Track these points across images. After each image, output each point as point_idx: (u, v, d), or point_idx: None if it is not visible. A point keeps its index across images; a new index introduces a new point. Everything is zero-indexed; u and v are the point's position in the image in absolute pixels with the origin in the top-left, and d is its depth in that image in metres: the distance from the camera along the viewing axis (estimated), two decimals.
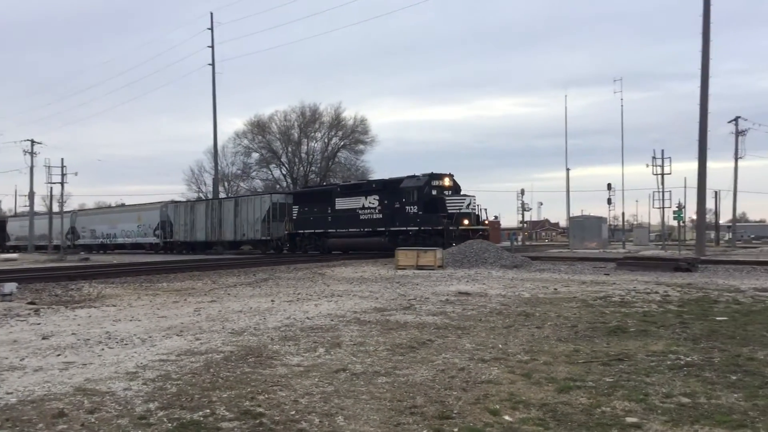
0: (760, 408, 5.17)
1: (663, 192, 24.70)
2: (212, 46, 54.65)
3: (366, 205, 33.25)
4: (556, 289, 14.93)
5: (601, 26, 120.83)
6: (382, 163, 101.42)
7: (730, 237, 58.55)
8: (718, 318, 10.00)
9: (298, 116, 66.69)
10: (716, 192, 61.17)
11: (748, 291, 13.82)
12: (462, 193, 31.71)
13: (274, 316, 10.85)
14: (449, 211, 29.84)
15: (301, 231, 36.37)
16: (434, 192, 30.91)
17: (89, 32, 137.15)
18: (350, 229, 33.71)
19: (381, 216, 32.36)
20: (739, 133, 53.28)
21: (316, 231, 35.50)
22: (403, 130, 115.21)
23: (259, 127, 67.21)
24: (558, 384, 5.99)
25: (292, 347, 8.00)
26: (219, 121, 67.14)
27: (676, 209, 38.12)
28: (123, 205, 63.84)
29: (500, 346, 7.95)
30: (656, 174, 36.95)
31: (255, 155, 68.25)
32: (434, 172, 31.50)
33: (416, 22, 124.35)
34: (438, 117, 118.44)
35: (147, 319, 10.75)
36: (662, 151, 24.78)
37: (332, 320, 10.30)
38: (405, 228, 30.99)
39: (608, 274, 19.14)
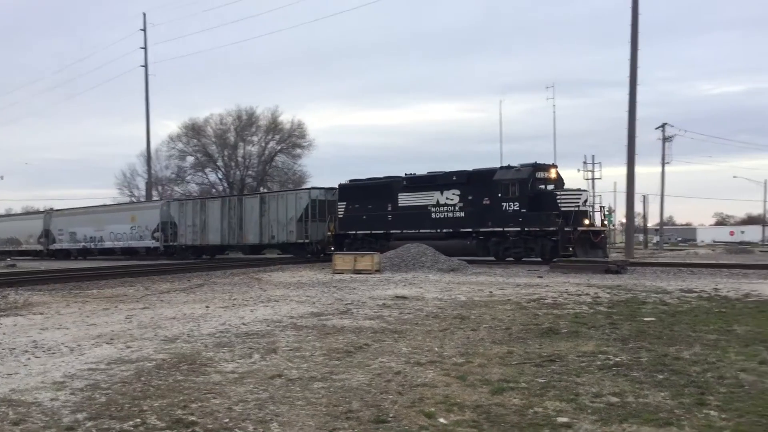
0: (685, 406, 5.35)
1: (594, 196, 25.40)
2: (145, 48, 53.52)
3: (442, 202, 27.86)
4: (491, 292, 15.14)
5: (537, 34, 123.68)
6: (320, 168, 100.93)
7: (658, 240, 60.46)
8: (645, 319, 10.31)
9: (235, 120, 65.82)
10: (644, 196, 63.24)
11: (675, 292, 14.29)
12: (568, 187, 26.94)
13: (209, 323, 10.67)
14: (562, 209, 24.72)
15: (352, 232, 30.71)
16: (540, 186, 25.91)
17: (17, 31, 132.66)
18: (420, 230, 28.26)
19: (464, 214, 27.10)
20: (666, 139, 55.23)
21: (373, 232, 29.88)
22: (342, 134, 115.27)
23: (194, 130, 66.04)
24: (492, 386, 6.07)
25: (227, 354, 7.88)
26: (153, 124, 65.80)
27: (606, 213, 39.14)
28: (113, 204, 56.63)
29: (436, 349, 8.01)
30: (587, 179, 38.07)
31: (190, 159, 67.06)
32: (538, 162, 26.26)
33: (355, 26, 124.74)
34: (377, 122, 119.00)
35: (76, 327, 10.43)
36: (593, 156, 25.70)
37: (268, 326, 10.20)
38: (501, 228, 25.92)
39: (542, 277, 19.50)
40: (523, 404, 5.46)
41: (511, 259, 25.75)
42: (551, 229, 24.50)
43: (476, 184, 26.97)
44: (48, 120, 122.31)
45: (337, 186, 32.49)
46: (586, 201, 25.52)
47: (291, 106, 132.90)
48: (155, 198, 56.74)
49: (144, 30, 53.49)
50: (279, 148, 65.89)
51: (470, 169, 28.01)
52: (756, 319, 10.19)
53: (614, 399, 5.57)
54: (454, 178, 27.79)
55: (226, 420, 5.13)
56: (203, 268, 26.69)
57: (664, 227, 67.13)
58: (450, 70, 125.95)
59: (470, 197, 26.95)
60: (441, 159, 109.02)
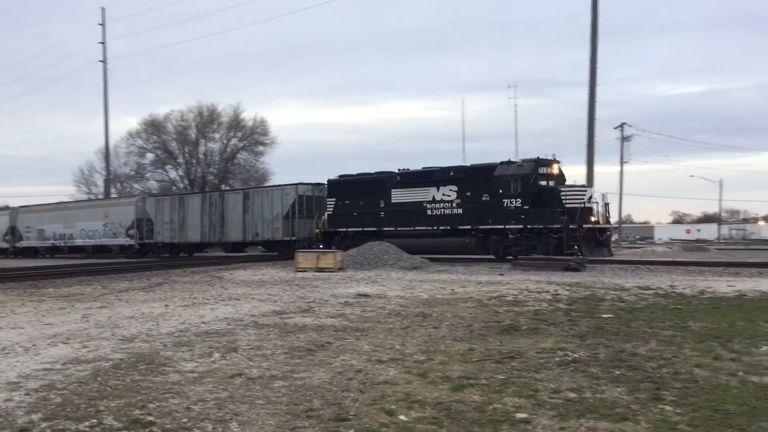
0: (641, 401, 5.45)
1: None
2: (104, 42, 52.65)
3: (439, 198, 26.92)
4: (453, 289, 15.23)
5: (500, 33, 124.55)
6: (283, 165, 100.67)
7: (616, 238, 61.43)
8: (603, 315, 10.47)
9: (196, 116, 65.07)
10: (603, 194, 64.07)
11: (632, 289, 14.53)
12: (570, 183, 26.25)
13: (168, 322, 10.54)
14: (566, 206, 23.97)
15: (342, 230, 29.60)
16: (542, 182, 25.26)
17: None
18: (416, 228, 27.30)
19: (461, 211, 26.27)
20: (624, 139, 56.29)
21: (365, 229, 28.75)
22: (305, 131, 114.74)
23: (153, 126, 65.12)
24: (453, 383, 6.11)
25: (186, 353, 7.80)
26: (112, 120, 64.85)
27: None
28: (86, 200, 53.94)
29: (398, 346, 8.03)
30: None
31: (150, 156, 66.15)
32: (540, 157, 25.61)
33: (319, 23, 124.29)
34: (341, 119, 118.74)
35: (31, 327, 10.22)
36: (553, 155, 25.49)
37: (229, 324, 10.12)
38: (503, 226, 25.09)
39: (503, 275, 19.68)
40: (483, 401, 5.51)
41: (510, 257, 24.82)
42: (555, 226, 23.84)
43: (475, 180, 26.08)
44: (4, 116, 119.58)
45: (325, 182, 31.49)
46: (590, 198, 24.90)
47: (254, 103, 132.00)
48: (114, 194, 55.83)
49: (103, 25, 52.66)
50: (241, 145, 65.36)
51: (468, 164, 27.56)
52: (710, 315, 10.42)
53: (572, 395, 5.65)
54: (452, 174, 26.92)
55: (185, 420, 5.08)
56: (163, 266, 26.34)
57: (623, 225, 68.25)
58: (415, 68, 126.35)
59: (468, 193, 26.15)
60: (408, 157, 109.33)
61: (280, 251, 32.54)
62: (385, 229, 28.16)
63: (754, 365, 6.71)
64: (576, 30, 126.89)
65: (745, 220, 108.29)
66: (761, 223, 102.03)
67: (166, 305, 12.91)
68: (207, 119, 64.93)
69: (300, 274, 21.40)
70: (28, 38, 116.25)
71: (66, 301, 14.26)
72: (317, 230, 30.70)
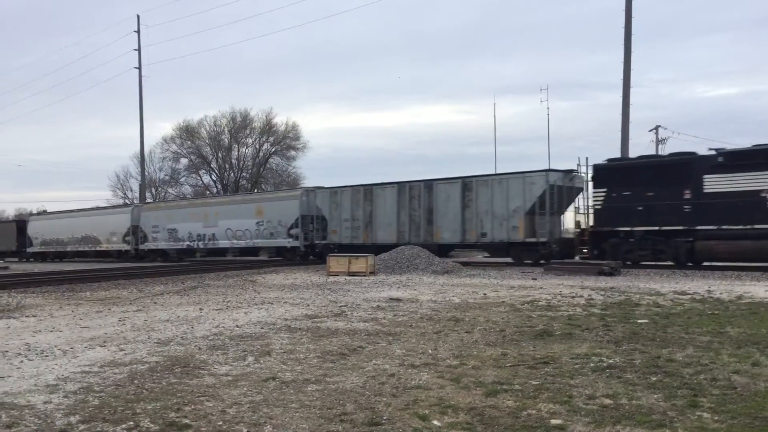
0: (678, 408, 5.36)
1: (588, 199, 25.15)
2: (139, 49, 53.41)
3: None
4: (485, 294, 15.15)
5: (533, 36, 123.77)
6: (315, 169, 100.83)
7: None
8: (639, 321, 10.33)
9: (229, 121, 65.94)
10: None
11: (668, 294, 14.32)
12: None
13: (203, 325, 10.65)
14: None
15: (621, 228, 23.23)
16: None
17: (8, 32, 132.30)
18: (755, 226, 20.52)
19: None
20: (659, 141, 55.51)
21: (662, 228, 22.34)
22: (337, 136, 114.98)
23: (188, 132, 66.09)
24: (486, 388, 6.08)
25: (221, 356, 7.87)
26: (146, 126, 65.89)
27: None
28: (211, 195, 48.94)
29: (430, 351, 8.01)
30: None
31: (184, 161, 67.15)
32: None
33: (350, 28, 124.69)
34: (372, 124, 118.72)
35: (69, 330, 10.40)
36: (587, 158, 25.07)
37: (262, 328, 10.19)
38: None
39: (536, 279, 19.54)
40: (516, 406, 5.47)
41: None
42: None
43: None
44: (41, 122, 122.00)
45: (577, 168, 25.84)
46: None
47: (285, 108, 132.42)
48: (149, 199, 56.48)
49: (138, 32, 53.42)
50: (273, 149, 66.04)
51: None
52: (749, 320, 10.23)
53: (608, 401, 5.58)
54: None
55: (220, 423, 5.12)
56: (196, 270, 26.63)
57: None
58: (445, 71, 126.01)
59: None
60: (437, 161, 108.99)
61: (516, 257, 26.48)
62: (698, 228, 21.63)
63: None
64: (609, 31, 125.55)
65: None
66: None
67: (201, 309, 13.04)
68: (240, 124, 65.74)
69: (332, 278, 21.47)
70: (65, 46, 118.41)
71: (103, 304, 14.49)
72: (577, 229, 25.22)
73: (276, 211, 34.18)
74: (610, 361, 7.24)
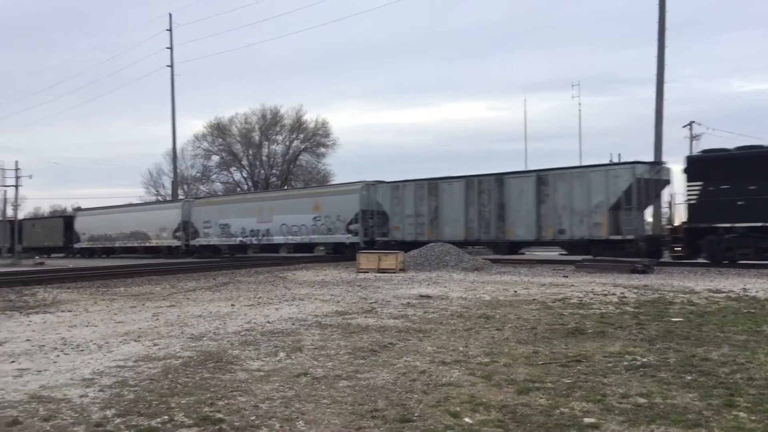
0: (714, 407, 5.28)
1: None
2: (171, 48, 54.13)
3: None
4: (516, 291, 15.07)
5: (564, 31, 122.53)
6: (344, 166, 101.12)
7: None
8: (673, 319, 10.19)
9: (259, 119, 66.41)
10: (671, 195, 62.49)
11: (703, 292, 14.11)
12: None
13: (234, 321, 10.75)
14: None
15: (720, 225, 21.35)
16: None
17: (44, 32, 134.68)
18: None
19: None
20: (693, 137, 54.58)
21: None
22: (366, 133, 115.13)
23: (219, 129, 66.69)
24: (517, 385, 6.05)
25: (253, 352, 7.93)
26: (178, 124, 66.63)
27: None
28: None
29: (461, 348, 7.99)
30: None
31: (215, 158, 67.76)
32: None
33: (379, 25, 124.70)
34: (402, 120, 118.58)
35: (104, 325, 10.57)
36: (619, 154, 24.61)
37: (293, 324, 10.25)
38: None
39: (567, 276, 19.38)
40: (549, 404, 5.43)
41: None
42: None
43: None
44: (76, 120, 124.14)
45: (660, 161, 24.77)
46: None
47: (315, 105, 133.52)
48: (181, 196, 56.97)
49: (170, 30, 54.14)
50: (303, 147, 66.37)
51: None
52: None
53: (642, 400, 5.52)
54: None
55: (253, 417, 5.16)
56: (228, 266, 26.87)
57: None
58: (474, 68, 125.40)
59: None
60: (466, 158, 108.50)
61: (598, 253, 24.09)
62: None
63: None
64: (643, 26, 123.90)
65: None
66: None
67: (232, 305, 13.16)
68: (270, 122, 66.13)
69: (361, 275, 21.52)
70: (98, 45, 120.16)
71: (136, 299, 14.69)
72: (669, 225, 23.73)
73: (334, 206, 32.94)
74: (644, 359, 7.15)
